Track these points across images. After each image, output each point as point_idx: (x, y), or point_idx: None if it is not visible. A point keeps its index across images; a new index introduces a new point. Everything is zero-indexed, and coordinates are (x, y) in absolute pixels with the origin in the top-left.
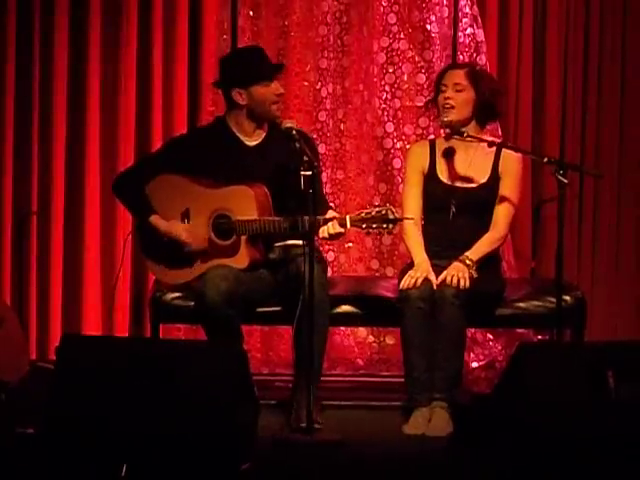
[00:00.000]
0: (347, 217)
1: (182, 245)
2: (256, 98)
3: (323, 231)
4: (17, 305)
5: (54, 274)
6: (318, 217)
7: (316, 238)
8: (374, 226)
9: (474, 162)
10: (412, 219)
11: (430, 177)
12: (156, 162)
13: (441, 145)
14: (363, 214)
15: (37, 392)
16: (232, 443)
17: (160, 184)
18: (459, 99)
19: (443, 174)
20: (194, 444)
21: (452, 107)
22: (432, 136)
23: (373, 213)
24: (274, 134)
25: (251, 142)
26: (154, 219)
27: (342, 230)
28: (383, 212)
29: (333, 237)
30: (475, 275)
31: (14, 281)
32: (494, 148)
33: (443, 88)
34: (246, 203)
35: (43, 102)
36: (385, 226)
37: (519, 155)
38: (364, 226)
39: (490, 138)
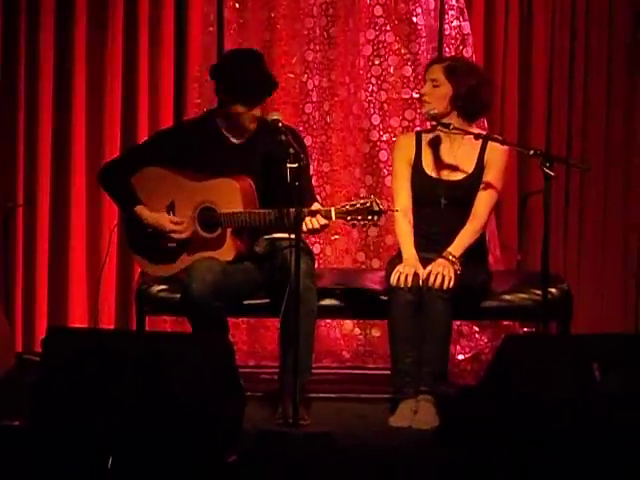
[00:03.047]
0: (332, 209)
1: (167, 236)
2: (234, 111)
3: (306, 224)
4: (3, 297)
5: (40, 267)
6: (303, 209)
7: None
8: (359, 218)
9: (460, 154)
10: (397, 210)
11: (415, 169)
12: (142, 153)
13: (427, 137)
14: (348, 206)
15: (23, 384)
16: (218, 435)
17: (145, 176)
18: (434, 95)
19: (428, 166)
20: (180, 436)
21: (428, 103)
22: (418, 128)
23: (358, 205)
24: (262, 127)
25: (237, 139)
26: (139, 209)
27: (326, 222)
28: (368, 204)
29: (316, 231)
30: (459, 270)
31: (0, 273)
32: (480, 140)
33: (423, 83)
34: (231, 196)
35: (29, 102)
36: (370, 218)
37: (506, 147)
38: (349, 218)
39: (476, 130)
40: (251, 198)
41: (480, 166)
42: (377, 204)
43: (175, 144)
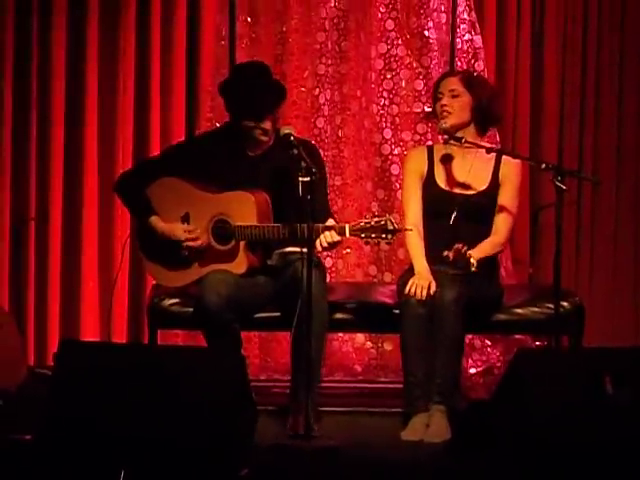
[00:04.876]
0: (346, 226)
1: (181, 246)
2: (245, 125)
3: (320, 241)
4: (15, 311)
5: (52, 280)
6: (317, 225)
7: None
8: (373, 236)
9: (473, 169)
10: (411, 230)
11: (428, 183)
12: (158, 164)
13: (439, 151)
14: (362, 223)
15: (35, 398)
16: (230, 449)
17: (161, 187)
18: (456, 105)
19: (441, 180)
20: (192, 450)
21: (449, 113)
22: (430, 142)
23: (372, 223)
24: (278, 142)
25: (254, 151)
26: (154, 220)
27: (339, 238)
28: (382, 222)
29: (330, 247)
30: (475, 269)
31: (12, 287)
32: (494, 155)
33: (439, 96)
34: (246, 209)
35: (41, 102)
36: (384, 236)
37: (519, 162)
38: (363, 235)
39: (488, 145)
40: (266, 212)
41: (495, 181)
42: (392, 222)
43: (191, 156)
